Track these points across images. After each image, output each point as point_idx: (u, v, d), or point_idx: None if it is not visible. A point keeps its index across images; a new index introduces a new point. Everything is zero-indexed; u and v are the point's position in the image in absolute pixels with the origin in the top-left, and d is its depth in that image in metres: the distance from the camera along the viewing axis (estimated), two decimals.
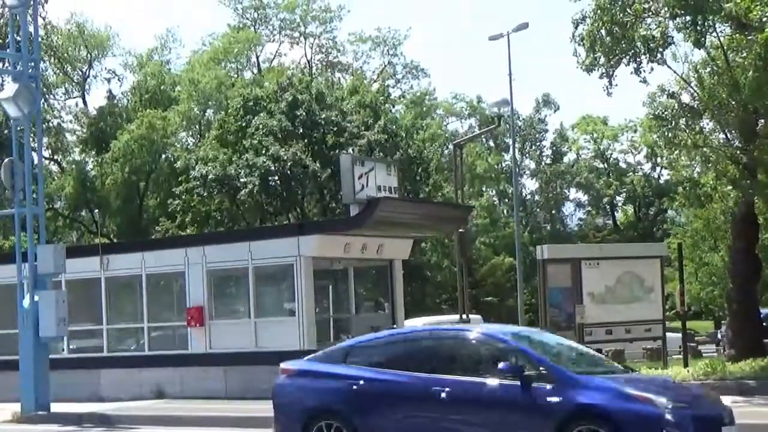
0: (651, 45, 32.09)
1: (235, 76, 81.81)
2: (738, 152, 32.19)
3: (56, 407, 25.88)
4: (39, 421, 24.95)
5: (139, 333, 30.73)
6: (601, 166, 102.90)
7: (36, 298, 25.68)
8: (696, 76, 34.90)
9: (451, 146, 59.08)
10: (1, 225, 39.92)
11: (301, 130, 61.00)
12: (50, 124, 73.46)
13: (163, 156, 74.18)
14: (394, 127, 62.93)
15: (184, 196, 63.33)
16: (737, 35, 32.04)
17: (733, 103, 31.51)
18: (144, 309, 30.21)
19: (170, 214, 66.40)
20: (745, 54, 32.58)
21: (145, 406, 26.22)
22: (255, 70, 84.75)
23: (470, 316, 40.62)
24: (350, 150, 56.09)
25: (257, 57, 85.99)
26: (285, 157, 57.89)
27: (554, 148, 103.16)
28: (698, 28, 31.28)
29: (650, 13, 32.06)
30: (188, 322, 28.95)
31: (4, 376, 29.75)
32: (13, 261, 27.07)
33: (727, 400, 21.31)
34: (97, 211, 73.94)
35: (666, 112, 35.27)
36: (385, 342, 17.10)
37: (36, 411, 25.55)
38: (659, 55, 32.75)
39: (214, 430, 22.18)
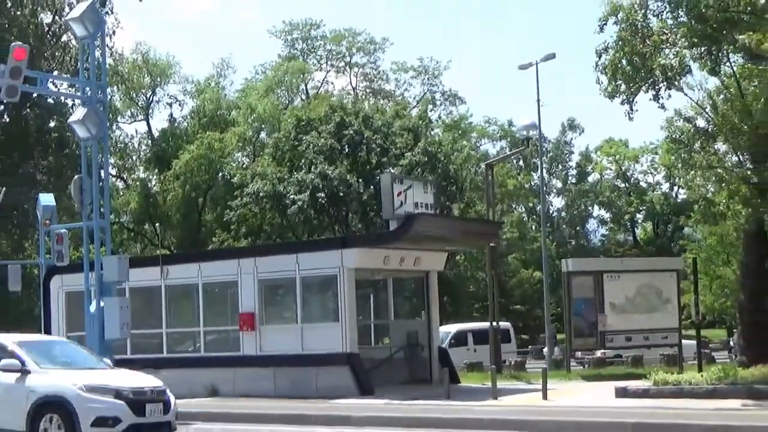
0: (669, 73, 31.96)
1: (286, 102, 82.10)
2: (749, 173, 32.00)
3: None
4: None
5: (196, 336, 30.80)
6: (623, 185, 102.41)
7: (102, 304, 25.79)
8: (710, 102, 34.73)
9: (483, 166, 58.90)
10: (71, 237, 40.13)
11: (346, 150, 61.10)
12: (117, 146, 74.00)
13: (220, 174, 74.51)
14: (434, 149, 62.87)
15: (239, 210, 63.51)
16: (749, 65, 31.89)
17: (745, 127, 31.32)
18: (200, 314, 30.30)
19: (226, 225, 66.62)
20: (756, 82, 32.44)
21: (201, 404, 26.24)
22: (304, 97, 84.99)
23: (500, 323, 40.48)
24: (392, 170, 56.06)
25: (306, 85, 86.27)
26: (332, 176, 57.98)
27: (579, 168, 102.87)
28: (713, 57, 31.16)
29: (668, 44, 31.92)
30: (240, 327, 28.99)
31: None
32: (82, 270, 27.22)
33: (737, 403, 21.17)
34: (158, 224, 74.24)
35: (682, 136, 35.13)
36: None
37: None
38: (676, 83, 32.63)
39: (264, 426, 22.18)
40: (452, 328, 47.21)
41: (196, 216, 76.52)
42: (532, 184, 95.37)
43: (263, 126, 78.30)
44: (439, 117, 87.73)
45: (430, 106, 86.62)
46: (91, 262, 26.59)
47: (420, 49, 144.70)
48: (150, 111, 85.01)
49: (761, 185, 30.59)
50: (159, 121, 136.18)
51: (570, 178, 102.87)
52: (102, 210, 26.87)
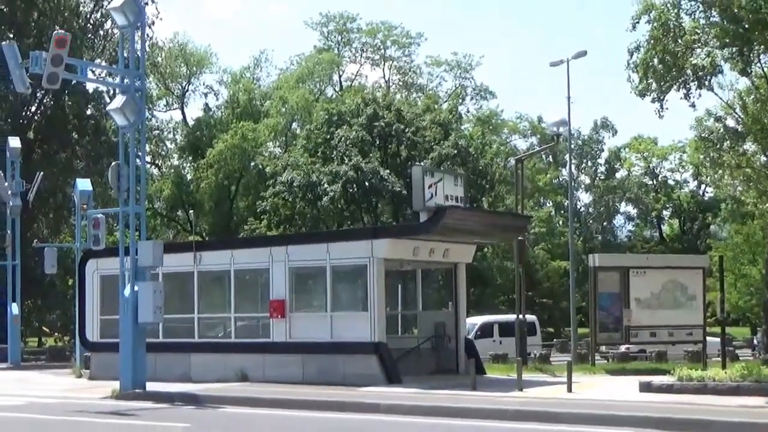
0: (700, 73, 31.86)
1: (319, 93, 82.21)
2: None
3: (151, 386, 26.13)
4: (135, 399, 25.18)
5: (227, 322, 30.92)
6: (651, 182, 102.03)
7: (136, 288, 25.95)
8: (740, 102, 34.60)
9: (512, 161, 58.86)
10: (108, 222, 40.48)
11: (377, 142, 61.15)
12: (152, 133, 74.35)
13: (253, 163, 74.77)
14: (463, 142, 62.85)
15: (270, 199, 63.67)
16: None
17: None
18: (231, 301, 30.40)
19: (258, 214, 66.90)
20: None
21: (230, 388, 26.38)
22: (337, 88, 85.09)
23: (526, 316, 40.43)
24: (422, 162, 56.06)
25: (339, 76, 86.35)
26: (365, 169, 58.04)
27: (608, 165, 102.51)
28: (745, 58, 31.00)
29: (700, 44, 31.81)
30: (271, 314, 29.08)
31: (107, 357, 30.16)
32: (117, 254, 27.39)
33: (761, 400, 21.10)
34: (191, 211, 74.67)
35: (712, 135, 35.05)
36: None
37: (133, 389, 25.81)
38: (707, 83, 32.50)
39: (292, 411, 22.26)
40: (478, 320, 47.19)
41: (228, 204, 76.87)
42: (561, 179, 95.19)
43: (295, 117, 78.49)
44: (468, 111, 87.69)
45: (461, 101, 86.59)
46: (126, 246, 26.76)
47: (453, 45, 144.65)
48: (185, 100, 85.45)
49: None
50: (194, 110, 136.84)
51: (599, 174, 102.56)
52: (138, 196, 26.99)
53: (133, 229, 26.75)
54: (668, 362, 36.09)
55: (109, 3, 29.25)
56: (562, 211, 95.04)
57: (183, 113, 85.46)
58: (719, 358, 31.56)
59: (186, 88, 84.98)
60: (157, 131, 79.34)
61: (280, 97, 78.89)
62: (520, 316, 37.13)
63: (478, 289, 68.93)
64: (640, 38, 32.98)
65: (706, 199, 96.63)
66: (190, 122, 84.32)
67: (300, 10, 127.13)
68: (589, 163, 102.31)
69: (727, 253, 59.33)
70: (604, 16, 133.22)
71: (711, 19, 31.68)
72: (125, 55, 27.60)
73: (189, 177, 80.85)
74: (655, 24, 32.14)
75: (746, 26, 29.33)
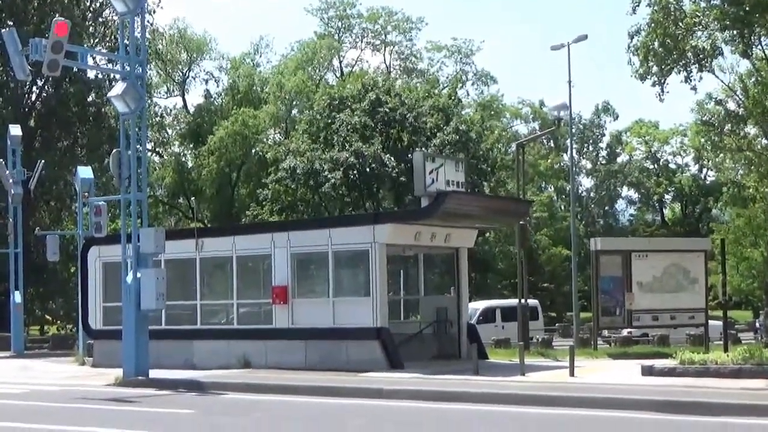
0: (701, 56, 31.82)
1: (319, 79, 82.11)
2: None
3: (154, 373, 26.15)
4: (138, 386, 25.21)
5: (229, 309, 30.90)
6: (652, 166, 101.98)
7: (138, 275, 25.96)
8: (741, 85, 34.56)
9: (514, 146, 58.82)
10: (110, 209, 40.47)
11: (379, 127, 61.04)
12: (153, 120, 74.27)
13: (254, 150, 74.74)
14: (464, 128, 62.78)
15: (271, 186, 63.61)
16: None
17: None
18: (234, 287, 30.39)
19: (259, 200, 66.90)
20: None
21: (233, 375, 26.40)
22: (338, 74, 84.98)
23: (528, 300, 40.46)
24: (424, 148, 55.98)
25: (340, 62, 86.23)
26: (366, 154, 57.96)
27: (609, 149, 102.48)
28: (745, 40, 30.97)
29: (700, 26, 31.76)
30: (273, 300, 29.08)
31: (110, 344, 30.18)
32: (119, 241, 27.40)
33: (762, 383, 21.12)
34: (193, 198, 74.71)
35: (713, 118, 35.00)
36: None
37: (136, 376, 25.84)
38: (708, 65, 32.46)
39: (295, 397, 22.30)
40: (480, 305, 47.24)
41: (229, 191, 76.91)
42: (562, 164, 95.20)
43: (295, 103, 78.45)
44: (468, 95, 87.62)
45: (462, 85, 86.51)
46: (128, 233, 26.76)
47: (454, 29, 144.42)
48: (186, 87, 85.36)
49: None
50: (194, 97, 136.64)
51: (600, 158, 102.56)
52: (139, 183, 26.99)
53: (135, 216, 26.76)
54: (670, 346, 36.11)
55: None
56: (564, 196, 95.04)
57: (184, 100, 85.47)
58: (721, 342, 31.59)
59: (186, 74, 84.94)
60: (159, 118, 79.25)
61: (277, 83, 78.80)
62: (522, 301, 37.18)
63: (480, 274, 68.95)
64: (640, 21, 32.96)
65: (707, 182, 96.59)
66: (191, 109, 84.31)
67: None
68: (591, 148, 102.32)
69: (728, 236, 59.32)
70: (605, 8, 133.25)
71: (711, 1, 31.63)
72: (126, 42, 27.57)
73: (190, 164, 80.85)
74: (656, 7, 32.11)
75: (747, 9, 29.27)
